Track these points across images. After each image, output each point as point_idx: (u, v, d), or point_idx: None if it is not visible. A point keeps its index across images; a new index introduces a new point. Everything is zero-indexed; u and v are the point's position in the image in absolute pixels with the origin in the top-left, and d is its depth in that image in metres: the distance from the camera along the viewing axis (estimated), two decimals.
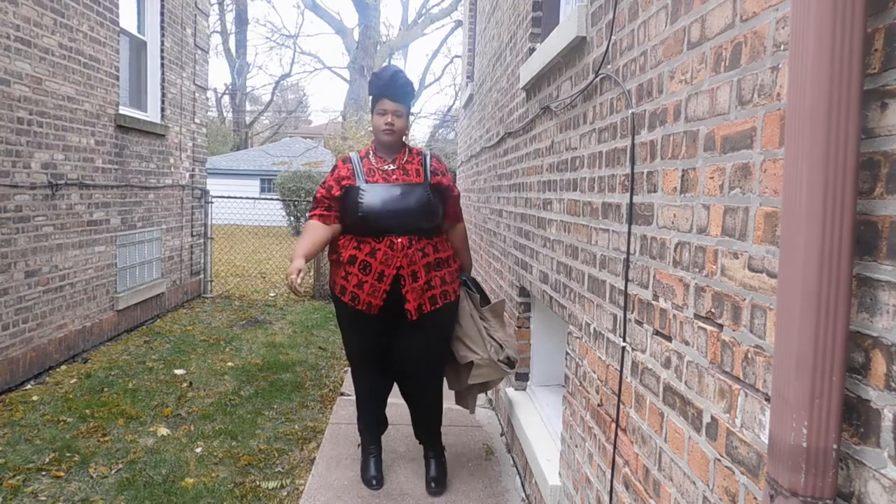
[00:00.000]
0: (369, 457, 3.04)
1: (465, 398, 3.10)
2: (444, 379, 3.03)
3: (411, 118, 2.91)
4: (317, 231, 2.75)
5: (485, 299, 3.01)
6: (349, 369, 4.82)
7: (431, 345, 2.83)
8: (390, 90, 2.75)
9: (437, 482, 2.91)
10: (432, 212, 2.73)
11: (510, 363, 2.91)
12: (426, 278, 2.69)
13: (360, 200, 2.67)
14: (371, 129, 2.83)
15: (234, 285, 8.83)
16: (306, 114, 40.84)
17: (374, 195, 2.67)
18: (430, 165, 2.81)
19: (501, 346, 2.90)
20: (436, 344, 2.84)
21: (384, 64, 26.11)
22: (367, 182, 2.72)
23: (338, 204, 2.76)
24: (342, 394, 4.23)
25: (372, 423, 3.06)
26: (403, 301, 2.69)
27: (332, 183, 2.77)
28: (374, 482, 2.94)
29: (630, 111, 1.72)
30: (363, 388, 3.03)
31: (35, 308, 4.49)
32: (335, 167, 2.83)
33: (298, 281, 2.54)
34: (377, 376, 2.98)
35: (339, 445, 3.38)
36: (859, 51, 0.79)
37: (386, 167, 2.77)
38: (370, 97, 2.86)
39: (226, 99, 32.52)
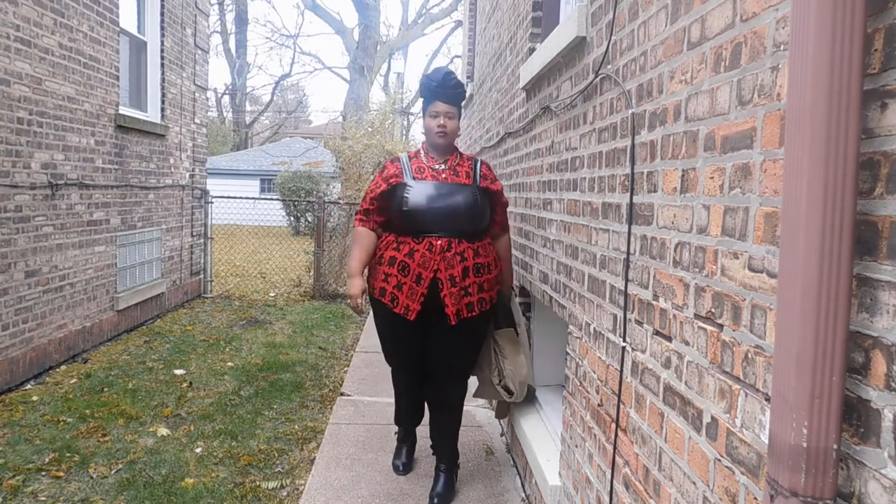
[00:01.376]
0: (402, 444, 3.17)
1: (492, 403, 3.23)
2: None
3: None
4: (366, 240, 2.79)
5: (509, 319, 3.00)
6: (349, 369, 4.83)
7: (463, 351, 2.80)
8: (442, 92, 2.71)
9: (441, 499, 2.82)
10: (478, 214, 2.67)
11: (509, 391, 3.00)
12: (463, 284, 2.63)
13: (405, 196, 2.64)
14: (423, 131, 2.85)
15: (234, 285, 8.83)
16: (306, 114, 40.86)
17: (420, 191, 2.64)
18: (480, 170, 2.78)
19: (503, 375, 2.97)
20: (467, 351, 2.82)
21: (384, 64, 26.13)
22: (414, 179, 2.69)
23: (384, 203, 2.75)
24: (342, 394, 4.23)
25: (409, 416, 3.12)
26: (441, 305, 2.64)
27: (380, 181, 2.76)
28: (400, 468, 3.07)
29: (630, 111, 1.72)
30: (401, 386, 3.05)
31: (35, 308, 4.49)
32: (384, 167, 2.82)
33: (362, 302, 2.78)
34: (415, 375, 2.96)
35: (339, 445, 3.38)
36: (859, 51, 0.79)
37: (437, 166, 2.74)
38: (421, 99, 2.84)
39: (226, 99, 32.54)
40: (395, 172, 2.74)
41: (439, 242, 2.59)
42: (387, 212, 2.76)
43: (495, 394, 3.06)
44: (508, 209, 3.65)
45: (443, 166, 2.74)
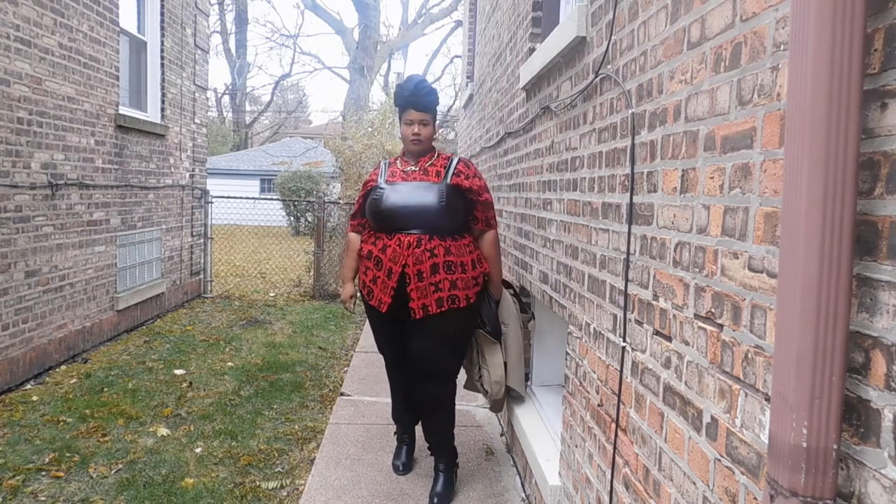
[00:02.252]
0: (401, 444, 3.20)
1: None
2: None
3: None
4: (355, 244, 3.00)
5: (492, 321, 2.98)
6: (349, 369, 4.84)
7: (436, 348, 2.77)
8: (415, 100, 2.80)
9: (441, 499, 2.83)
10: (444, 210, 2.69)
11: (485, 391, 3.10)
12: (433, 279, 2.66)
13: (375, 197, 2.78)
14: (400, 137, 2.97)
15: (234, 285, 8.83)
16: (306, 114, 40.87)
17: (389, 192, 2.77)
18: (455, 167, 2.82)
19: (480, 374, 3.09)
20: (441, 347, 2.78)
21: (384, 64, 26.10)
22: (386, 182, 2.83)
23: (366, 206, 2.91)
24: (342, 394, 4.23)
25: (402, 414, 3.16)
26: (409, 300, 2.71)
27: (363, 187, 2.96)
28: (400, 468, 3.10)
29: (630, 111, 1.72)
30: (391, 381, 3.15)
31: (35, 308, 4.49)
32: (370, 174, 3.01)
33: (353, 307, 3.10)
34: (400, 371, 3.04)
35: (339, 445, 3.38)
36: (859, 51, 0.79)
37: (408, 168, 2.86)
38: (396, 108, 2.92)
39: (226, 99, 32.54)
40: (373, 177, 2.91)
41: (408, 238, 2.68)
42: (366, 212, 2.91)
43: (477, 390, 3.17)
44: (508, 209, 3.65)
45: (414, 168, 2.85)
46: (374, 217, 2.79)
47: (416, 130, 2.81)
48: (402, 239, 2.69)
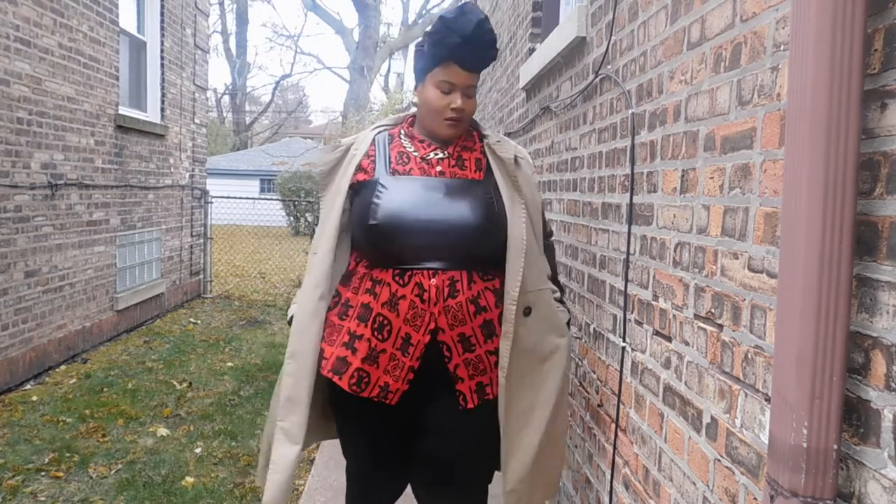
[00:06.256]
0: None
1: None
2: None
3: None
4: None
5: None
6: None
7: (479, 449, 1.71)
8: (468, 51, 1.59)
9: None
10: (493, 228, 1.62)
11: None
12: (488, 346, 1.62)
13: (375, 202, 1.59)
14: (413, 104, 1.76)
15: (233, 285, 8.82)
16: (306, 114, 40.84)
17: (396, 194, 1.60)
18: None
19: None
20: (485, 447, 1.71)
21: (384, 64, 26.01)
22: (392, 173, 1.66)
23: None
24: None
25: None
26: (444, 379, 1.62)
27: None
28: None
29: (630, 111, 1.72)
30: None
31: (35, 308, 4.48)
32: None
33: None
34: (388, 496, 1.93)
35: (338, 446, 3.37)
36: (859, 51, 0.79)
37: (430, 155, 1.69)
38: (430, 56, 1.64)
39: (226, 99, 32.54)
40: (363, 164, 1.69)
41: (434, 282, 1.56)
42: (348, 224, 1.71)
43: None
44: None
45: (441, 154, 1.69)
46: (368, 237, 1.61)
47: (457, 103, 1.62)
48: (427, 285, 1.55)
